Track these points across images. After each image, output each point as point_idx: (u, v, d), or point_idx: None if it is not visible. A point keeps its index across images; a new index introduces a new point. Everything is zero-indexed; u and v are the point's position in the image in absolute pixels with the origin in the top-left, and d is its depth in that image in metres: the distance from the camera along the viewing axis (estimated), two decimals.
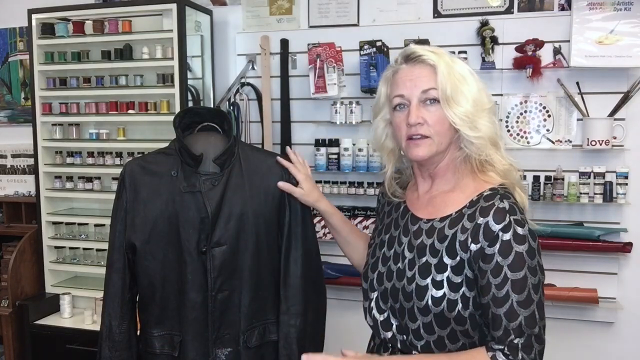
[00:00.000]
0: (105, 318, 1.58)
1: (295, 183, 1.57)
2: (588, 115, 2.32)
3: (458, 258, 1.16)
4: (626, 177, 2.30)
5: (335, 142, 2.61)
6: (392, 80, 1.26)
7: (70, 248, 2.91)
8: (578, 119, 2.37)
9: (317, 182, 2.64)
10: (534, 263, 1.11)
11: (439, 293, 1.15)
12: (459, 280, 1.15)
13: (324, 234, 2.64)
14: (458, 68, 1.21)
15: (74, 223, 2.88)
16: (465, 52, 2.42)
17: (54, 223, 2.89)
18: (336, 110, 2.57)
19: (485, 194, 1.18)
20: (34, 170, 2.91)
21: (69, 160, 2.86)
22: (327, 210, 1.58)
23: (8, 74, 3.25)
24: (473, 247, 1.14)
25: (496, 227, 1.12)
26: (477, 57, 2.43)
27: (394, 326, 1.26)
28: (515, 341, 1.08)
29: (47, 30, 2.78)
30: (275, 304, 1.60)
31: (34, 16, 2.78)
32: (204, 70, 2.80)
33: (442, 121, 1.19)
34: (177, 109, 2.55)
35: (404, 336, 1.23)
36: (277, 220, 1.59)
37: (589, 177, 2.32)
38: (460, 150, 1.23)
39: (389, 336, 1.27)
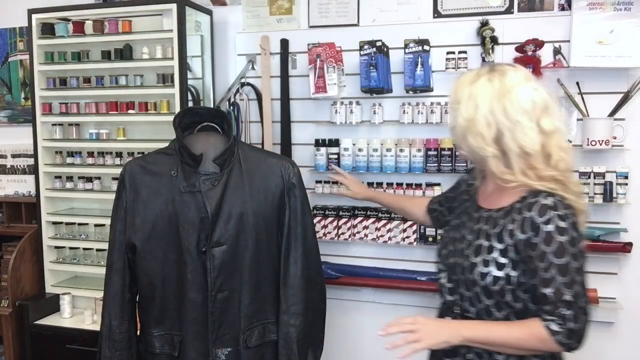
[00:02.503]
0: (106, 318, 1.58)
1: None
2: (588, 115, 2.32)
3: (505, 243, 1.37)
4: (626, 177, 2.30)
5: (335, 142, 2.61)
6: None
7: (70, 248, 2.91)
8: (578, 119, 2.37)
9: (317, 182, 2.66)
10: (576, 250, 1.31)
11: (485, 270, 1.38)
12: (504, 261, 1.36)
13: (324, 234, 2.64)
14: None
15: (74, 223, 2.88)
16: (465, 52, 2.42)
17: (54, 223, 2.89)
18: (336, 110, 2.57)
19: (533, 191, 1.37)
20: (34, 170, 2.91)
21: (69, 160, 2.86)
22: (375, 197, 2.16)
23: (8, 74, 3.25)
24: (520, 236, 1.34)
25: (539, 220, 1.32)
26: (477, 57, 2.43)
27: (457, 294, 1.49)
28: (564, 312, 1.29)
29: (47, 30, 2.78)
30: (275, 304, 1.61)
31: (34, 16, 2.78)
32: (204, 70, 2.80)
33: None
34: (177, 109, 2.55)
35: (462, 303, 1.47)
36: (276, 220, 1.60)
37: (589, 177, 2.32)
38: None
39: (452, 300, 1.50)
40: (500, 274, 1.36)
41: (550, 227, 1.30)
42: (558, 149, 1.39)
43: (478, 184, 1.56)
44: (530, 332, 1.32)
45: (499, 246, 1.37)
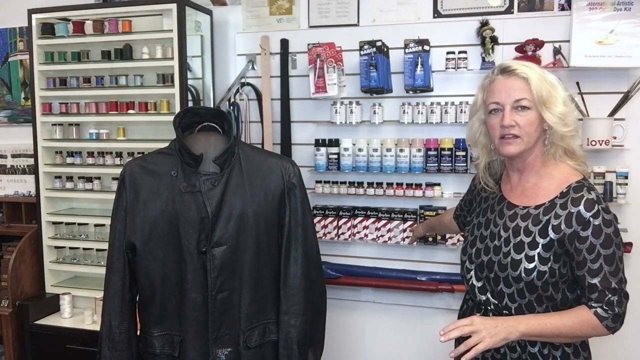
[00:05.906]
0: (105, 318, 1.58)
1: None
2: (588, 115, 2.32)
3: (549, 238, 1.41)
4: (626, 177, 2.30)
5: (335, 142, 2.61)
6: (488, 88, 1.49)
7: (70, 248, 2.91)
8: (578, 119, 2.36)
9: (317, 182, 2.66)
10: (618, 240, 1.40)
11: (531, 265, 1.42)
12: (548, 256, 1.41)
13: (324, 234, 2.64)
14: (548, 77, 1.46)
15: (74, 223, 2.88)
16: (465, 52, 2.42)
17: (54, 223, 2.89)
18: (336, 110, 2.57)
19: (573, 185, 1.43)
20: (34, 170, 2.91)
21: (69, 160, 2.86)
22: (427, 226, 2.27)
23: (8, 74, 3.25)
24: (566, 230, 1.39)
25: (587, 215, 1.38)
26: (477, 57, 2.44)
27: (489, 292, 1.51)
28: (611, 299, 1.37)
29: (47, 30, 2.78)
30: (276, 304, 1.60)
31: (34, 16, 2.78)
32: (204, 70, 2.80)
33: (531, 124, 1.43)
34: (177, 109, 2.55)
35: (497, 300, 1.49)
36: (277, 220, 1.60)
37: (589, 177, 2.32)
38: (545, 147, 1.48)
39: (484, 299, 1.52)
40: (544, 268, 1.41)
41: (598, 221, 1.37)
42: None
43: (492, 182, 1.59)
44: (581, 320, 1.38)
45: (543, 241, 1.41)
